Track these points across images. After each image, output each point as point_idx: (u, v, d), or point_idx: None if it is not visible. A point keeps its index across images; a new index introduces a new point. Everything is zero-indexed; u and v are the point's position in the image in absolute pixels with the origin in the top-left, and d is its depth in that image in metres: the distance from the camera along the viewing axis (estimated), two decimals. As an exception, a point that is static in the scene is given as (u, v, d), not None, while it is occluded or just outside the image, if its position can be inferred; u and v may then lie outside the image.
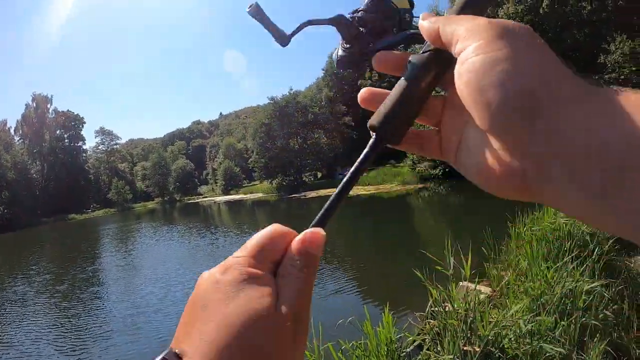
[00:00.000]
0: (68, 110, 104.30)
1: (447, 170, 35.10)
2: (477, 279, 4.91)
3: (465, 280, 5.09)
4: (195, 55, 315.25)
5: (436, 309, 4.84)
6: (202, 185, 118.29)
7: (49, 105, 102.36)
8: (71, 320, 12.77)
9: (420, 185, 36.43)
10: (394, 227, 20.27)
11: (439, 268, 4.89)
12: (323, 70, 71.04)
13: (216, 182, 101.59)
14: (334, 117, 61.63)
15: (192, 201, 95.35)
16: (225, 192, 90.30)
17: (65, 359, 9.96)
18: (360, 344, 4.42)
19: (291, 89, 66.17)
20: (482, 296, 5.34)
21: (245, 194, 79.30)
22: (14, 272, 25.54)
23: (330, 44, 70.50)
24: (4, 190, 77.32)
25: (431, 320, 4.89)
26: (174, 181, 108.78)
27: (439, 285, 4.96)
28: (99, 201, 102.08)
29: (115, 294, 15.33)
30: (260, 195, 69.61)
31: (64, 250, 34.12)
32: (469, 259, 4.84)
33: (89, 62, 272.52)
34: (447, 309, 4.70)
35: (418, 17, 0.51)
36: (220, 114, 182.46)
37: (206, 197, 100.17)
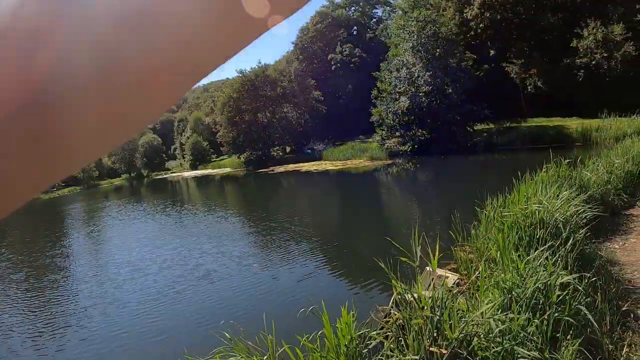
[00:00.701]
0: None
1: (415, 146, 35.54)
2: (445, 267, 4.75)
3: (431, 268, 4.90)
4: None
5: (401, 298, 4.56)
6: (170, 161, 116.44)
7: None
8: (33, 310, 12.39)
9: (389, 161, 36.19)
10: (361, 204, 20.00)
11: (405, 260, 4.64)
12: (293, 43, 70.06)
13: (184, 157, 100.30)
14: (303, 91, 60.86)
15: (160, 177, 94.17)
16: (194, 167, 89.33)
17: (30, 351, 9.48)
18: (317, 345, 4.18)
19: (260, 62, 65.00)
20: (449, 282, 5.21)
21: (213, 168, 78.52)
22: None
23: (301, 17, 69.62)
24: None
25: (396, 313, 4.59)
26: (141, 157, 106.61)
27: (402, 278, 4.74)
28: (63, 179, 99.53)
29: (79, 279, 14.94)
30: (228, 170, 68.90)
31: (26, 233, 33.14)
32: (437, 250, 4.57)
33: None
34: (411, 303, 4.42)
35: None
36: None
37: (174, 172, 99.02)
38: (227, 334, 4.30)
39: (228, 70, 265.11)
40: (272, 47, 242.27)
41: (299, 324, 4.97)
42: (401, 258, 4.73)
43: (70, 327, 10.09)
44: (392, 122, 37.78)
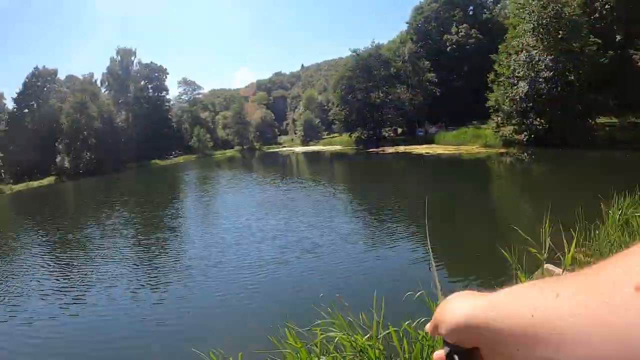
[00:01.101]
0: (151, 62, 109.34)
1: (532, 136, 33.85)
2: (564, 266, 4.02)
3: (554, 266, 4.70)
4: (278, 7, 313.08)
5: None
6: (281, 135, 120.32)
7: (133, 58, 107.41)
8: (139, 264, 13.64)
9: (502, 150, 34.92)
10: (471, 193, 19.78)
11: (534, 250, 4.29)
12: (407, 23, 69.40)
13: (296, 133, 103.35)
14: (416, 72, 60.36)
15: (271, 150, 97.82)
16: (305, 143, 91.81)
17: (130, 302, 10.34)
18: (425, 333, 3.87)
19: (373, 42, 65.31)
20: None
21: (324, 145, 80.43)
22: (98, 211, 28.02)
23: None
24: (91, 138, 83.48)
25: None
26: (254, 130, 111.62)
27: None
28: (181, 148, 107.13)
29: (185, 240, 16.06)
30: (338, 147, 70.46)
31: (140, 193, 36.82)
32: (572, 246, 4.00)
33: (173, 14, 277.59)
34: None
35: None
36: (302, 65, 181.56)
37: (285, 146, 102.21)
38: (329, 309, 4.22)
39: (341, 49, 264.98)
40: (386, 26, 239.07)
41: (403, 308, 4.65)
42: (529, 249, 4.41)
43: (171, 283, 10.96)
44: (508, 109, 36.04)
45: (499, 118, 37.61)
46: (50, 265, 14.31)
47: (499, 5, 62.78)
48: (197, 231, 17.18)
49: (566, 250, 3.99)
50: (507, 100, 36.12)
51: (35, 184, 73.21)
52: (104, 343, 8.09)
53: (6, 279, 13.51)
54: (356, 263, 10.63)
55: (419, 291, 4.23)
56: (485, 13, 62.62)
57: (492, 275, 8.26)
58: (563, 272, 4.01)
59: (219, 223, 18.10)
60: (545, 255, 4.17)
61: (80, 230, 20.77)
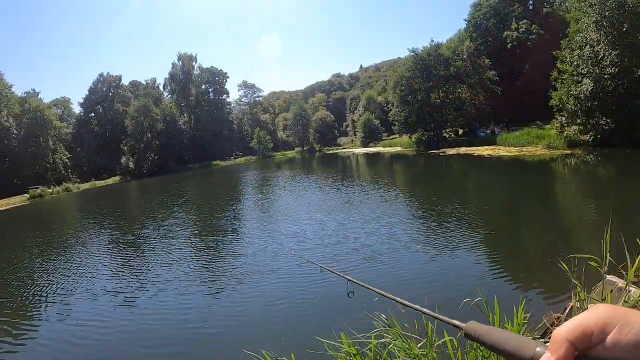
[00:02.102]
0: (212, 66, 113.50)
1: (598, 136, 32.74)
2: (627, 280, 3.77)
3: (615, 277, 4.39)
4: (336, 9, 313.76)
5: (579, 307, 4.00)
6: (341, 137, 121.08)
7: (194, 63, 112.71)
8: (200, 261, 14.32)
9: (567, 151, 33.89)
10: (534, 196, 19.39)
11: (595, 265, 3.92)
12: (465, 20, 68.45)
13: (355, 134, 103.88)
14: (477, 71, 59.54)
15: (331, 152, 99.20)
16: (364, 144, 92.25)
17: (193, 296, 10.83)
18: None
19: (432, 41, 64.87)
20: (633, 297, 4.07)
21: (384, 146, 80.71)
22: (157, 211, 29.86)
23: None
24: (155, 139, 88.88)
25: None
26: (314, 132, 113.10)
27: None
28: (241, 149, 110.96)
29: (244, 240, 16.48)
30: (398, 149, 70.66)
31: (204, 194, 38.64)
32: (636, 260, 3.82)
33: (230, 20, 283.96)
34: None
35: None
36: (361, 66, 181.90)
37: (345, 148, 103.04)
38: (383, 315, 4.17)
39: (400, 49, 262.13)
40: (444, 24, 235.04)
41: (458, 315, 5.01)
42: (589, 262, 3.99)
43: (223, 285, 11.27)
44: (573, 108, 34.76)
45: (563, 118, 36.40)
46: (104, 265, 15.17)
47: (559, -2, 60.20)
48: (253, 234, 17.48)
49: (629, 262, 3.81)
50: (571, 99, 34.92)
51: (100, 183, 79.18)
52: (151, 347, 8.34)
53: (58, 276, 14.61)
54: (413, 268, 10.71)
55: (477, 298, 4.13)
56: (545, 7, 60.59)
57: (550, 286, 8.35)
58: (626, 286, 4.00)
59: (277, 226, 18.44)
60: (606, 268, 3.83)
61: (137, 229, 22.11)
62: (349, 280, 3.05)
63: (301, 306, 9.28)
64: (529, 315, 3.95)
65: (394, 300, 2.21)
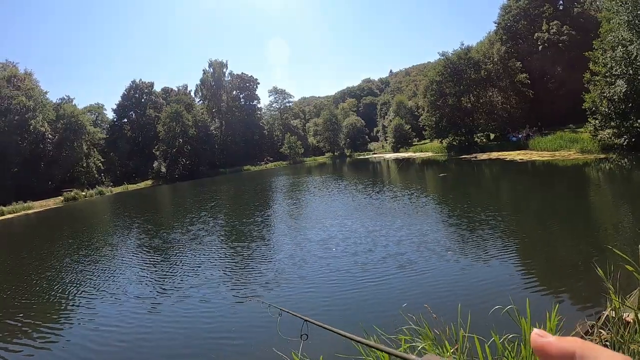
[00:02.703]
0: (242, 72, 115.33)
1: (633, 140, 31.85)
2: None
3: None
4: (366, 15, 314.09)
5: (615, 315, 3.89)
6: (372, 142, 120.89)
7: (224, 70, 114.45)
8: (229, 265, 14.53)
9: (601, 156, 33.09)
10: (567, 202, 19.17)
11: (630, 269, 3.88)
12: (495, 22, 67.77)
13: (386, 139, 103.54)
14: (508, 74, 58.84)
15: (362, 157, 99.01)
16: (395, 149, 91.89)
17: (227, 294, 11.19)
18: (512, 345, 3.85)
19: (462, 44, 64.50)
20: None
21: (414, 152, 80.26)
22: (187, 214, 30.52)
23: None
24: (186, 144, 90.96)
25: (603, 332, 4.03)
26: (345, 137, 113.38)
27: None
28: (272, 154, 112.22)
29: (274, 245, 16.54)
30: (429, 154, 70.15)
31: (235, 198, 39.43)
32: None
33: (260, 28, 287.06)
34: (629, 324, 3.77)
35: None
36: (390, 71, 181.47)
37: (376, 153, 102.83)
38: (415, 318, 4.19)
39: (429, 54, 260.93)
40: (474, 27, 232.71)
41: (489, 322, 4.59)
42: (626, 266, 3.95)
43: (255, 288, 11.40)
44: (606, 110, 34.02)
45: (597, 121, 35.47)
46: (130, 269, 15.53)
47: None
48: (283, 239, 17.46)
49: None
50: (604, 101, 34.17)
51: (133, 186, 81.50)
52: (173, 356, 8.40)
53: (84, 278, 15.09)
54: (444, 274, 10.67)
55: (508, 306, 4.10)
56: (576, 6, 59.40)
57: (584, 293, 8.30)
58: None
59: (307, 231, 18.36)
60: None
61: (164, 234, 22.53)
62: (305, 320, 3.08)
63: (332, 309, 9.38)
64: (562, 323, 3.96)
65: (347, 337, 2.37)
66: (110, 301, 11.84)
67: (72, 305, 12.00)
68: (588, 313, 6.82)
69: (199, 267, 14.29)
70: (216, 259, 15.20)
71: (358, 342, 2.32)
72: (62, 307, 11.97)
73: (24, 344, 9.50)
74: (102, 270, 15.82)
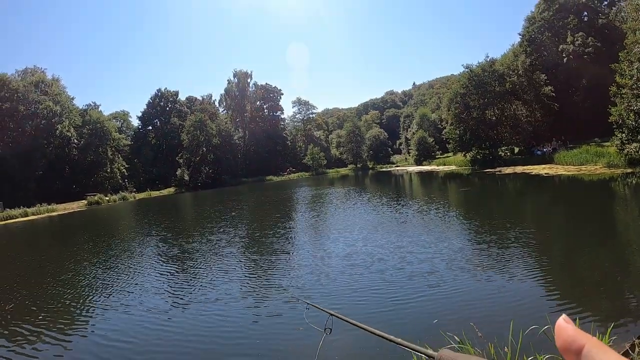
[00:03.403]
0: (267, 83, 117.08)
1: None
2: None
3: None
4: (389, 28, 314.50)
5: None
6: (394, 155, 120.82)
7: (249, 80, 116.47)
8: (249, 273, 14.46)
9: (628, 170, 32.41)
10: (593, 218, 18.50)
11: None
12: (519, 34, 67.26)
13: (409, 152, 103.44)
14: (533, 86, 58.17)
15: (385, 169, 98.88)
16: (418, 162, 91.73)
17: (249, 300, 11.20)
18: None
19: (487, 56, 64.11)
20: None
21: (437, 165, 79.94)
22: (207, 224, 30.44)
23: (526, 4, 66.12)
24: (210, 153, 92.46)
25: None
26: (368, 149, 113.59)
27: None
28: (295, 165, 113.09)
29: (295, 258, 15.97)
30: (453, 167, 69.72)
31: (256, 208, 39.57)
32: None
33: (283, 38, 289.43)
34: None
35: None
36: (414, 83, 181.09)
37: (399, 166, 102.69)
38: (456, 337, 4.16)
39: (452, 66, 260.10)
40: (498, 39, 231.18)
41: (526, 340, 4.44)
42: None
43: (274, 303, 10.98)
44: (633, 124, 33.45)
45: (623, 135, 34.77)
46: (145, 278, 15.30)
47: (614, 8, 57.87)
48: (305, 252, 16.80)
49: None
50: (631, 114, 33.57)
51: (155, 193, 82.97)
52: None
53: (99, 284, 15.12)
54: (476, 292, 10.26)
55: (545, 326, 4.04)
56: (601, 18, 58.53)
57: (612, 309, 8.16)
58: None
59: (330, 244, 17.85)
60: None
61: (183, 242, 22.37)
62: (331, 314, 3.17)
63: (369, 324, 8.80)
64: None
65: (366, 330, 2.48)
66: (122, 310, 11.67)
67: (83, 313, 11.88)
68: (619, 333, 6.51)
69: (217, 279, 13.99)
70: (235, 272, 14.83)
71: (380, 336, 2.39)
72: (73, 315, 11.84)
73: (28, 354, 9.30)
74: (116, 277, 15.70)
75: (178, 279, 14.99)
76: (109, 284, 14.76)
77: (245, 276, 14.10)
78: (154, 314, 11.05)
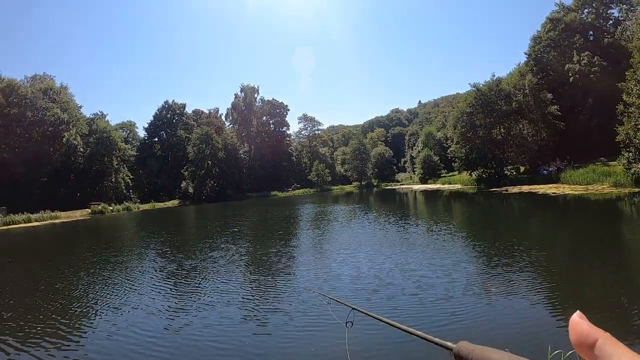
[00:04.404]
0: (273, 98, 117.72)
1: None
2: None
3: None
4: (395, 45, 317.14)
5: None
6: (399, 173, 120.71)
7: (256, 95, 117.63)
8: (253, 291, 13.88)
9: (635, 190, 32.14)
10: (601, 239, 18.11)
11: None
12: (525, 54, 67.41)
13: (414, 171, 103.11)
14: (539, 105, 57.98)
15: (389, 187, 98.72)
16: (423, 180, 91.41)
17: (249, 321, 10.54)
18: None
19: (493, 75, 64.11)
20: None
21: (443, 183, 79.66)
22: (208, 239, 30.01)
23: (532, 25, 66.22)
24: (215, 167, 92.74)
25: None
26: (373, 167, 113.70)
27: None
28: (299, 181, 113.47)
29: (296, 277, 15.44)
30: (458, 186, 69.36)
31: (259, 223, 39.10)
32: None
33: (291, 52, 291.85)
34: None
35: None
36: (419, 102, 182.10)
37: (403, 184, 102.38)
38: None
39: (458, 85, 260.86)
40: (504, 58, 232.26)
41: None
42: None
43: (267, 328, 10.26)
44: None
45: (630, 154, 34.51)
46: (139, 294, 14.76)
47: (620, 27, 57.77)
48: (308, 274, 15.91)
49: None
50: (638, 133, 33.30)
51: (159, 205, 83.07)
52: None
53: (92, 295, 14.81)
54: (489, 316, 9.66)
55: (570, 351, 3.94)
56: (606, 37, 58.49)
57: (623, 329, 7.97)
58: None
59: (334, 265, 16.98)
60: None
61: (181, 258, 21.79)
62: (353, 308, 3.29)
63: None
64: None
65: (386, 322, 2.58)
66: (108, 333, 10.80)
67: (66, 332, 11.14)
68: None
69: (214, 300, 13.20)
70: (233, 292, 14.09)
71: (399, 328, 2.46)
72: (62, 326, 11.41)
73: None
74: (110, 291, 15.23)
75: (172, 298, 14.13)
76: (98, 301, 14.01)
77: (244, 300, 13.10)
78: (145, 338, 10.27)
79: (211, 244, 26.08)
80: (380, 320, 2.71)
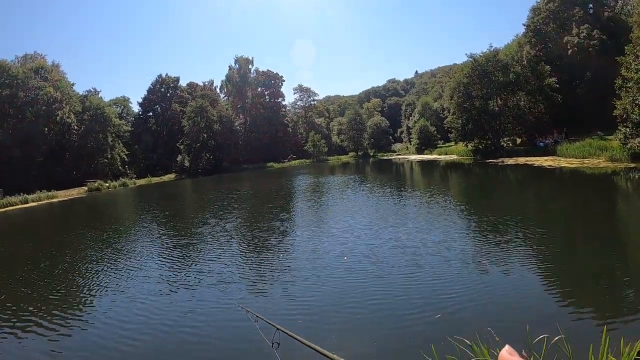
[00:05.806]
0: (268, 69, 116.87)
1: None
2: None
3: None
4: (392, 15, 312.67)
5: None
6: (396, 143, 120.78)
7: (250, 66, 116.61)
8: (242, 264, 14.39)
9: (631, 165, 32.19)
10: (594, 213, 18.22)
11: None
12: (524, 25, 66.95)
13: (410, 141, 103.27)
14: (537, 77, 57.95)
15: (385, 157, 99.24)
16: (419, 151, 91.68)
17: (251, 288, 11.39)
18: None
19: (491, 46, 63.92)
20: None
21: (439, 154, 79.97)
22: (204, 211, 30.79)
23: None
24: (211, 139, 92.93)
25: None
26: (369, 137, 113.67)
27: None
28: (296, 152, 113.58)
29: (294, 249, 15.71)
30: (454, 157, 69.77)
31: (255, 195, 40.07)
32: None
33: (287, 25, 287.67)
34: None
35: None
36: (416, 72, 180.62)
37: (400, 154, 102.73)
38: (472, 343, 3.98)
39: (455, 55, 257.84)
40: (502, 28, 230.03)
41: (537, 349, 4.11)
42: None
43: (269, 296, 10.92)
44: (638, 118, 33.21)
45: (627, 129, 34.56)
46: (137, 267, 15.15)
47: (620, 1, 57.51)
48: (305, 246, 16.07)
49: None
50: (636, 109, 33.35)
51: (156, 179, 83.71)
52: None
53: (90, 272, 15.14)
54: (478, 293, 9.62)
55: (557, 336, 3.90)
56: (606, 11, 58.03)
57: (626, 312, 7.93)
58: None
59: (330, 236, 17.33)
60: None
61: (175, 233, 22.39)
62: (277, 329, 3.21)
63: (377, 328, 8.43)
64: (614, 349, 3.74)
65: (317, 351, 2.49)
66: (108, 300, 11.69)
67: (72, 303, 11.87)
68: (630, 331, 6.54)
69: (200, 270, 13.87)
70: (220, 263, 14.47)
71: (325, 355, 2.42)
72: (63, 305, 11.70)
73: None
74: (108, 266, 15.63)
75: (158, 268, 14.71)
76: (100, 273, 14.67)
77: (229, 271, 13.52)
78: (125, 305, 11.04)
79: (203, 219, 26.18)
80: (305, 344, 2.66)
